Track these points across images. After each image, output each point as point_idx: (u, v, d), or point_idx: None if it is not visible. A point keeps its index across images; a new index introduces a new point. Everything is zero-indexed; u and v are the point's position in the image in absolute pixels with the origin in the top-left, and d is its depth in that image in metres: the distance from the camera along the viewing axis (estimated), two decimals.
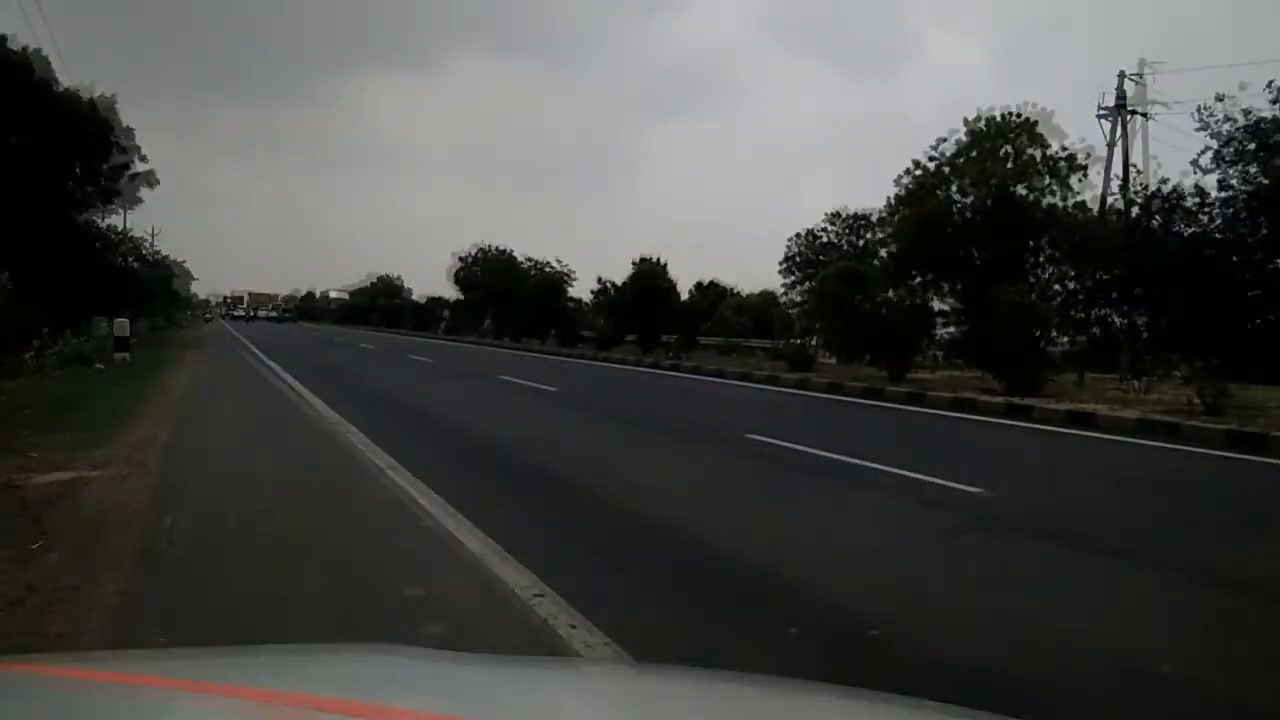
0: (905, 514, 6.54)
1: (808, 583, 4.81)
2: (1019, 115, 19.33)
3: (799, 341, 21.97)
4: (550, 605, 4.14)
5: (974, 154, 19.33)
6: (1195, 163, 16.59)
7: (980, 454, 9.96)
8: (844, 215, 31.40)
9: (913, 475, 7.59)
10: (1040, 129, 19.29)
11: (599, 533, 5.94)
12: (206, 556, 5.04)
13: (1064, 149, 19.13)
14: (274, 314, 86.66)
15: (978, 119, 19.39)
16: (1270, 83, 15.96)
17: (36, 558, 4.86)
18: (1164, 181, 17.27)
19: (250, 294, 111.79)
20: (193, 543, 5.31)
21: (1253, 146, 15.82)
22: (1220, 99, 16.28)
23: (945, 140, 19.63)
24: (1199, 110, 16.41)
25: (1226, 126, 16.09)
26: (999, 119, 19.35)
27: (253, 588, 4.43)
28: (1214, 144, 16.25)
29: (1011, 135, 19.23)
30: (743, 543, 5.68)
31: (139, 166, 31.53)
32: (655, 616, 4.27)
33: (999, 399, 13.48)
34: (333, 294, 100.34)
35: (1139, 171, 19.92)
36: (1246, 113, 15.88)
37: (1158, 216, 16.97)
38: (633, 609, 4.32)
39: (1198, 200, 16.46)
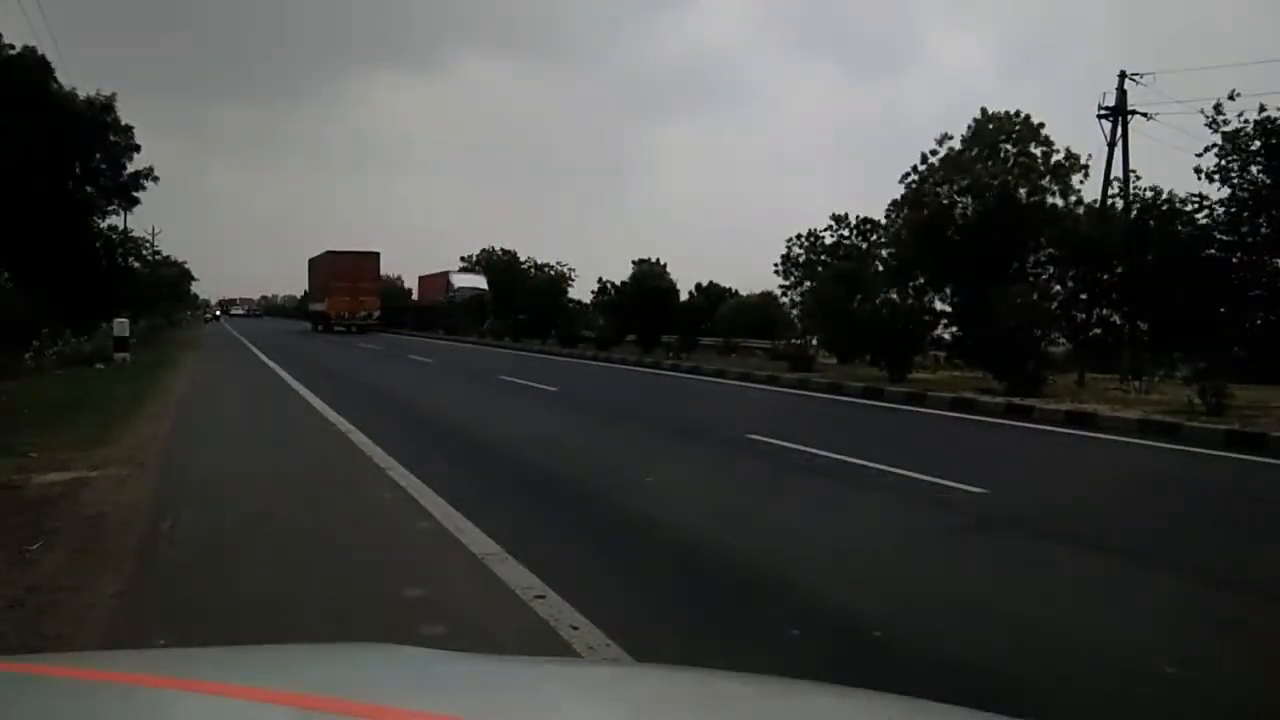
0: (906, 514, 6.54)
1: (809, 583, 4.81)
2: (1021, 115, 19.36)
3: (799, 341, 21.96)
4: (552, 605, 4.14)
5: (976, 152, 19.35)
6: (1199, 170, 16.70)
7: (981, 454, 9.96)
8: (851, 218, 31.40)
9: (913, 475, 7.59)
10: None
11: (600, 533, 5.94)
12: (207, 557, 5.04)
13: (1067, 150, 19.21)
14: (245, 312, 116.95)
15: (984, 119, 19.41)
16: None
17: (36, 558, 4.86)
18: (1160, 196, 17.37)
19: (241, 298, 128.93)
20: (193, 543, 5.31)
21: (1256, 146, 15.86)
22: (1220, 101, 16.39)
23: (951, 137, 19.65)
24: (1214, 108, 16.52)
25: (1231, 128, 16.18)
26: (1003, 115, 19.36)
27: (253, 588, 4.43)
28: (1220, 143, 16.32)
29: (1014, 134, 19.25)
30: (743, 542, 5.68)
31: (138, 166, 31.56)
32: (655, 616, 4.27)
33: (999, 399, 13.46)
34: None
35: (1138, 177, 20.03)
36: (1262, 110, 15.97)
37: (1154, 221, 17.03)
38: (632, 608, 4.32)
39: (1196, 204, 16.54)
